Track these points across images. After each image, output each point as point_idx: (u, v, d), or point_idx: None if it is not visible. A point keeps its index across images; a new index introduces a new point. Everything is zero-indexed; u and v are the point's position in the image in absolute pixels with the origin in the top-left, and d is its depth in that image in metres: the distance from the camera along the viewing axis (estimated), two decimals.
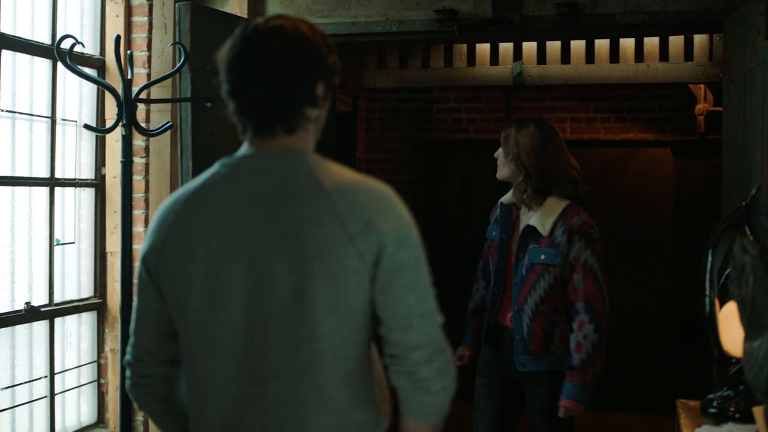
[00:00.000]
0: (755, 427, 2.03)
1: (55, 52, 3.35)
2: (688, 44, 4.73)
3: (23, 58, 3.91)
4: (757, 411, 1.96)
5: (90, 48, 4.33)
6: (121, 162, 3.47)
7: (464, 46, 5.19)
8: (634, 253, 7.49)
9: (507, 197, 3.54)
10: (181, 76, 3.72)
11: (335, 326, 1.73)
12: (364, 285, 1.73)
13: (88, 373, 4.44)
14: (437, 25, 4.35)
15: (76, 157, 4.31)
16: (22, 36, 3.87)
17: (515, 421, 3.58)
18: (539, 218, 3.37)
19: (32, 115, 3.99)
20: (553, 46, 4.95)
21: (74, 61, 3.36)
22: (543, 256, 3.33)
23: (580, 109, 7.54)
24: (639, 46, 4.85)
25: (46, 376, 4.10)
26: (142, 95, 3.61)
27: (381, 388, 1.90)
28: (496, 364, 3.50)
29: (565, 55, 4.92)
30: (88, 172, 4.39)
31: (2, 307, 3.80)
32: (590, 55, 4.87)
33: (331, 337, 1.73)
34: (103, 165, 4.44)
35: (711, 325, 2.54)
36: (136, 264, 1.94)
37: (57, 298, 4.17)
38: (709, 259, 2.56)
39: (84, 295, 4.40)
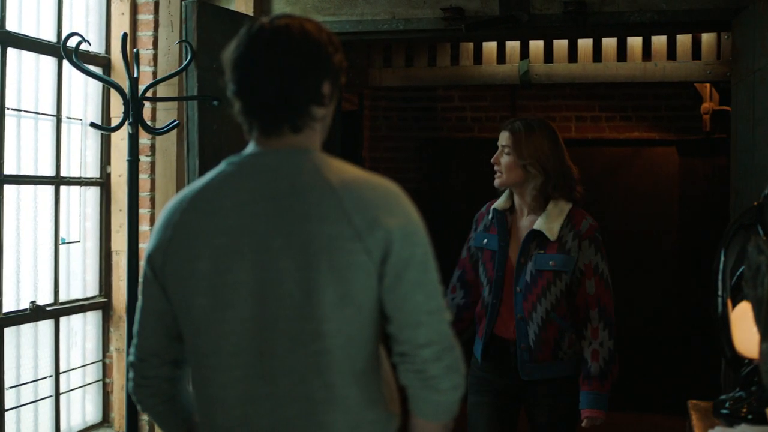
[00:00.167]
0: None
1: (61, 50, 3.34)
2: (696, 43, 4.72)
3: (28, 56, 3.90)
4: None
5: (95, 46, 4.32)
6: (128, 160, 3.46)
7: (471, 45, 5.17)
8: (638, 252, 7.47)
9: (501, 203, 3.40)
10: (187, 74, 3.71)
11: (342, 323, 1.72)
12: (371, 281, 1.72)
13: (93, 373, 4.43)
14: (444, 24, 4.33)
15: (81, 155, 4.30)
16: (27, 34, 3.85)
17: None
18: (545, 223, 3.25)
19: (37, 113, 3.98)
20: (560, 45, 4.93)
21: (80, 59, 3.35)
22: (553, 263, 3.22)
23: (585, 108, 7.52)
24: (646, 45, 4.83)
25: (51, 376, 4.08)
26: (149, 93, 3.60)
27: (390, 388, 1.89)
28: (494, 378, 3.36)
29: (572, 54, 4.90)
30: (93, 171, 4.38)
31: (8, 306, 3.78)
32: (597, 53, 4.86)
33: (338, 334, 1.72)
34: (109, 163, 4.43)
35: (723, 326, 2.52)
36: (142, 263, 1.92)
37: (62, 297, 4.15)
38: (722, 259, 2.54)
39: (89, 294, 4.38)
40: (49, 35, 4.01)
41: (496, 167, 3.34)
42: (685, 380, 6.87)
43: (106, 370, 4.47)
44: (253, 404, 1.76)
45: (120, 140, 4.36)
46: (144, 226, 4.31)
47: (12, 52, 3.75)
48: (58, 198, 4.09)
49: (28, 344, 3.96)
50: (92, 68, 3.94)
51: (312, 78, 1.78)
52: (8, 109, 3.75)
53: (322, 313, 1.70)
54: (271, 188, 1.75)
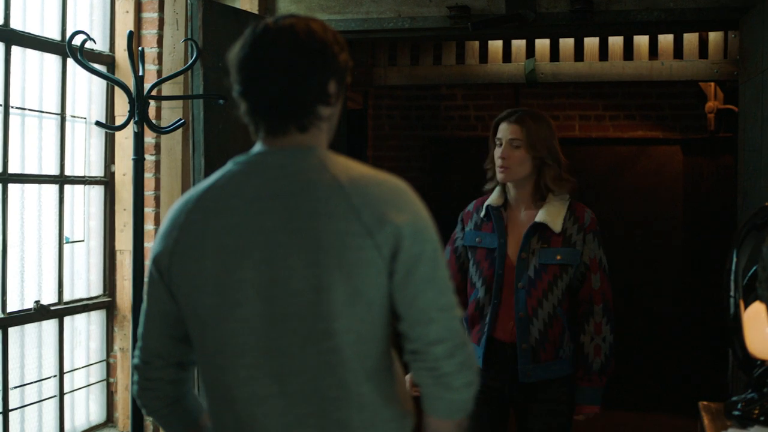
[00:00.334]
0: None
1: (66, 48, 3.32)
2: (703, 42, 4.70)
3: (33, 54, 3.88)
4: None
5: (99, 44, 4.30)
6: (133, 159, 3.44)
7: (476, 43, 5.15)
8: (643, 251, 7.46)
9: (495, 199, 3.29)
10: (193, 73, 3.69)
11: (353, 321, 1.70)
12: (381, 278, 1.71)
13: (97, 372, 4.41)
14: (450, 22, 4.31)
15: (85, 154, 4.28)
16: (31, 32, 3.83)
17: None
18: (547, 215, 3.16)
19: (42, 111, 3.96)
20: (567, 43, 4.91)
21: (84, 57, 3.33)
22: (559, 256, 3.14)
23: (589, 107, 7.51)
24: (653, 44, 4.81)
25: (55, 375, 4.07)
26: (153, 92, 3.57)
27: (403, 387, 1.88)
28: (493, 384, 3.22)
29: (578, 53, 4.88)
30: (97, 170, 4.36)
31: (12, 305, 3.76)
32: (604, 52, 4.83)
33: (349, 332, 1.70)
34: (113, 162, 4.41)
35: (736, 327, 2.50)
36: (147, 263, 1.90)
37: (66, 297, 4.14)
38: (734, 259, 2.52)
39: (93, 294, 4.36)
40: (54, 33, 3.99)
41: (502, 162, 3.20)
42: (690, 380, 6.87)
43: (110, 370, 4.45)
44: (264, 404, 1.74)
45: (124, 139, 4.34)
46: (149, 225, 4.29)
47: (16, 51, 3.73)
48: (62, 197, 4.07)
49: (32, 344, 3.94)
50: (96, 66, 3.92)
51: (318, 77, 1.77)
52: (12, 107, 3.73)
53: (333, 310, 1.69)
54: (278, 186, 1.74)
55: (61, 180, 4.06)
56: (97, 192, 4.36)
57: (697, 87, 6.82)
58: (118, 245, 4.42)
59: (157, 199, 4.38)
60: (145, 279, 1.90)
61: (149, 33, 4.37)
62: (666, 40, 4.70)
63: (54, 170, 4.03)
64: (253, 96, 1.77)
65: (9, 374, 3.72)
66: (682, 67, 4.62)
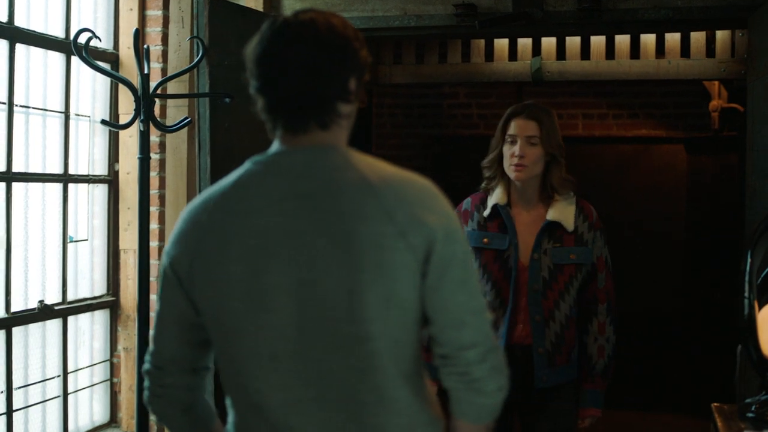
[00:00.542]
0: None
1: (72, 46, 3.29)
2: (710, 40, 4.68)
3: (37, 52, 3.85)
4: None
5: (103, 42, 4.27)
6: (139, 158, 3.41)
7: (482, 42, 5.12)
8: (646, 250, 7.44)
9: (500, 197, 3.11)
10: (199, 71, 3.66)
11: (388, 325, 1.66)
12: (415, 280, 1.66)
13: (101, 372, 4.38)
14: (456, 20, 4.29)
15: (89, 153, 4.25)
16: (35, 30, 3.81)
17: None
18: (560, 214, 3.06)
19: (46, 110, 3.94)
20: (573, 42, 4.89)
21: (89, 55, 3.30)
22: (573, 255, 3.04)
23: (592, 105, 7.48)
24: (660, 42, 4.78)
25: (59, 376, 4.04)
26: (159, 90, 3.54)
27: (432, 390, 1.84)
28: (511, 391, 3.05)
29: (585, 51, 4.85)
30: (101, 169, 4.33)
31: (16, 305, 3.74)
32: (610, 50, 4.81)
33: (384, 336, 1.66)
34: (116, 161, 4.38)
35: (749, 328, 2.48)
36: (160, 264, 1.85)
37: (70, 296, 4.11)
38: (748, 260, 2.50)
39: (97, 293, 4.34)
40: (58, 31, 3.97)
41: (518, 160, 3.04)
42: (692, 379, 6.85)
43: (113, 370, 4.43)
44: (297, 410, 1.69)
45: (128, 137, 4.31)
46: (153, 224, 4.26)
47: (20, 48, 3.71)
48: (66, 196, 4.04)
49: (36, 344, 3.92)
50: (101, 65, 3.90)
51: (339, 74, 1.72)
52: (16, 105, 3.70)
53: (368, 314, 1.64)
54: (305, 186, 1.68)
55: (65, 179, 4.04)
56: (100, 191, 4.33)
57: (701, 86, 6.79)
58: (122, 244, 4.39)
59: (161, 197, 4.35)
60: (156, 280, 1.86)
61: (153, 30, 4.34)
62: (673, 38, 4.68)
63: (58, 169, 4.01)
64: (271, 92, 1.72)
65: (13, 374, 3.70)
66: (689, 65, 4.60)
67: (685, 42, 4.66)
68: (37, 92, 3.87)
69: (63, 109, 4.02)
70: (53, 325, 4.01)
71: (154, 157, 4.27)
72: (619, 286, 3.34)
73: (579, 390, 3.15)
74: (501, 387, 1.76)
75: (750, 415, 2.48)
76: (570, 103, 7.40)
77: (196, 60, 3.56)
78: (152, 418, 4.28)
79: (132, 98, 3.42)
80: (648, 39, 4.73)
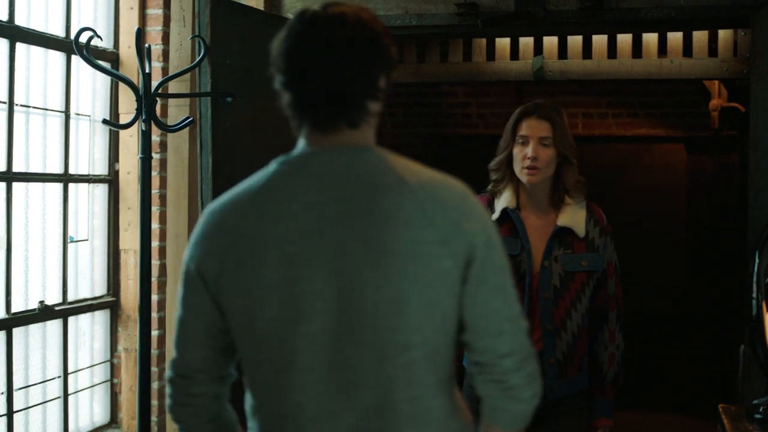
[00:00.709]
0: None
1: (73, 45, 3.27)
2: (712, 40, 4.66)
3: (37, 51, 3.83)
4: None
5: (103, 41, 4.25)
6: (140, 158, 3.39)
7: (483, 41, 5.10)
8: (646, 250, 7.44)
9: (509, 201, 2.98)
10: (200, 70, 3.64)
11: (430, 332, 1.62)
12: (455, 287, 1.63)
13: (101, 373, 4.36)
14: (458, 19, 4.27)
15: (89, 152, 4.23)
16: (36, 29, 3.78)
17: None
18: (571, 219, 2.93)
19: (46, 109, 3.91)
20: (575, 41, 4.87)
21: (90, 54, 3.28)
22: (585, 262, 2.92)
23: (592, 105, 7.48)
24: (662, 42, 4.77)
25: (59, 376, 4.02)
26: (160, 90, 3.52)
27: (460, 396, 1.80)
28: None
29: (587, 50, 4.84)
30: (101, 168, 4.30)
31: (16, 306, 3.71)
32: (612, 50, 4.79)
33: (426, 344, 1.62)
34: (117, 161, 4.36)
35: (758, 328, 2.47)
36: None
37: (70, 297, 4.09)
38: (756, 261, 2.49)
39: (97, 293, 4.31)
40: (58, 30, 3.94)
41: (531, 162, 2.91)
42: (693, 379, 6.85)
43: (113, 371, 4.40)
44: (331, 421, 1.64)
45: (129, 137, 4.29)
46: (154, 224, 4.24)
47: (21, 47, 3.69)
48: (67, 196, 4.02)
49: (37, 345, 3.89)
50: (102, 64, 3.87)
51: (370, 71, 1.66)
52: (17, 105, 3.68)
53: (408, 323, 1.60)
54: (342, 190, 1.63)
55: (66, 179, 4.02)
56: (101, 191, 4.31)
57: (701, 85, 6.79)
58: (122, 244, 4.36)
59: (162, 197, 4.33)
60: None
61: (154, 30, 4.32)
62: (675, 37, 4.67)
63: (58, 169, 3.98)
64: (299, 88, 1.66)
65: (13, 375, 3.68)
66: (692, 65, 4.59)
67: (687, 41, 4.64)
68: (37, 91, 3.85)
69: (63, 109, 3.99)
70: (53, 325, 3.99)
71: (155, 156, 4.25)
72: None
73: (590, 400, 3.05)
74: (536, 394, 1.72)
75: (758, 416, 2.47)
76: (570, 103, 7.40)
77: (198, 59, 3.55)
78: (153, 419, 4.27)
79: (132, 98, 3.40)
80: (650, 38, 4.71)
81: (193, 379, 1.76)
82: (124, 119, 4.19)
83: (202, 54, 3.53)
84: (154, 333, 4.24)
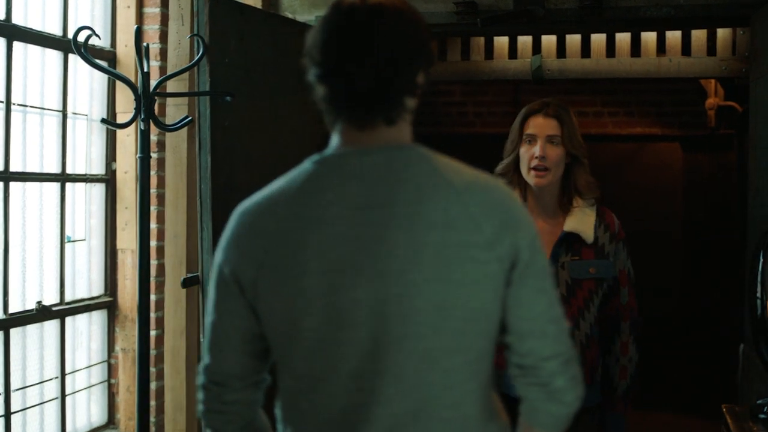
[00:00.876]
0: None
1: (72, 44, 3.24)
2: (711, 38, 4.66)
3: (34, 50, 3.80)
4: None
5: (100, 40, 4.22)
6: (139, 157, 3.37)
7: (482, 39, 5.08)
8: (643, 249, 7.42)
9: None
10: (199, 69, 3.61)
11: (474, 338, 1.58)
12: (500, 291, 1.59)
13: (98, 374, 4.34)
14: (457, 18, 4.26)
15: (86, 152, 4.21)
16: (33, 27, 3.76)
17: None
18: (578, 224, 2.82)
19: (43, 108, 3.89)
20: (573, 40, 4.86)
21: (88, 53, 3.26)
22: (593, 269, 2.81)
23: (587, 103, 7.48)
24: (660, 41, 4.76)
25: (57, 377, 4.00)
26: (158, 89, 3.50)
27: (497, 398, 1.76)
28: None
29: (585, 49, 4.83)
30: (98, 168, 4.28)
31: (14, 306, 3.69)
32: (611, 49, 4.78)
33: (468, 350, 1.58)
34: (114, 160, 4.33)
35: (762, 328, 2.47)
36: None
37: (68, 297, 4.07)
38: (761, 261, 2.48)
39: (94, 294, 4.29)
40: (55, 29, 3.92)
41: (539, 162, 2.81)
42: (692, 379, 6.85)
43: (111, 371, 4.38)
44: (368, 426, 1.59)
45: (126, 136, 4.27)
46: (152, 224, 4.22)
47: (18, 46, 3.66)
48: (64, 195, 4.00)
49: (34, 345, 3.87)
50: (100, 63, 3.85)
51: (411, 66, 1.59)
52: (14, 104, 3.65)
53: (455, 329, 1.55)
54: (386, 191, 1.57)
55: (63, 178, 3.99)
56: (98, 190, 4.29)
57: (697, 83, 6.79)
58: (119, 244, 4.34)
59: (160, 197, 4.30)
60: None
61: (151, 28, 4.29)
62: (674, 36, 4.66)
63: (55, 168, 3.96)
64: (338, 83, 1.58)
65: (11, 376, 3.65)
66: (690, 63, 4.58)
67: (686, 40, 4.63)
68: (34, 91, 3.82)
69: (60, 108, 3.97)
70: (51, 326, 3.97)
71: (153, 156, 4.23)
72: None
73: (602, 414, 2.94)
74: (579, 396, 1.68)
75: (762, 416, 2.47)
76: (565, 101, 7.37)
77: (196, 58, 3.52)
78: (152, 419, 4.25)
79: (129, 97, 3.39)
80: (649, 37, 4.71)
81: (227, 385, 1.71)
82: (121, 118, 4.17)
83: (201, 53, 3.51)
84: (152, 333, 4.22)
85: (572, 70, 4.77)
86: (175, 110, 4.24)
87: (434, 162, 1.62)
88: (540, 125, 2.85)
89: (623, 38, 4.73)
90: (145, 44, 3.60)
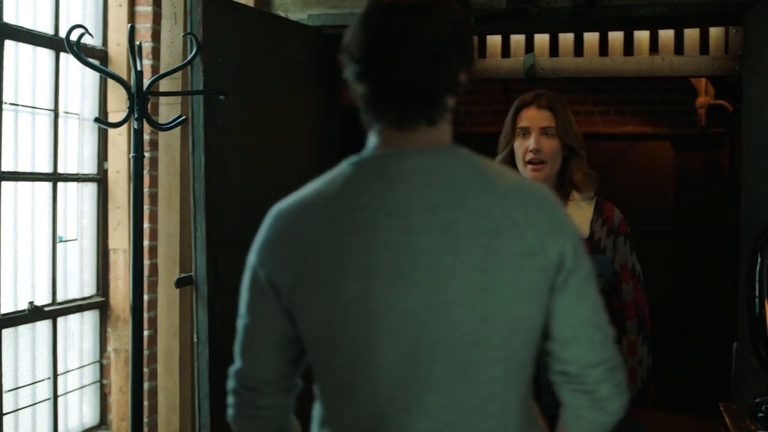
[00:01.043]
0: None
1: (65, 43, 3.22)
2: (703, 37, 4.66)
3: (26, 48, 3.78)
4: None
5: (92, 38, 4.20)
6: (132, 157, 3.34)
7: (475, 38, 5.07)
8: (640, 249, 7.45)
9: None
10: (192, 68, 3.60)
11: (516, 348, 1.54)
12: (544, 299, 1.55)
13: (90, 374, 4.31)
14: None
15: (78, 151, 4.18)
16: (24, 26, 3.73)
17: None
18: (573, 218, 2.85)
19: (35, 107, 3.86)
20: (566, 39, 4.85)
21: (80, 52, 3.24)
22: None
23: (578, 102, 7.48)
24: (653, 39, 4.76)
25: (49, 378, 3.97)
26: (152, 88, 3.48)
27: (535, 405, 1.72)
28: None
29: (578, 48, 4.82)
30: (90, 167, 4.25)
31: (6, 307, 3.67)
32: (604, 47, 4.78)
33: (513, 360, 1.55)
34: (106, 159, 4.31)
35: (760, 327, 2.47)
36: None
37: (60, 297, 4.04)
38: (758, 260, 2.49)
39: (86, 294, 4.27)
40: (47, 27, 3.89)
41: (533, 155, 2.76)
42: (687, 377, 6.86)
43: (103, 371, 4.36)
44: None
45: (118, 136, 4.24)
46: (145, 224, 4.19)
47: (9, 45, 3.64)
48: (56, 195, 3.97)
49: (26, 346, 3.85)
50: (92, 62, 3.83)
51: (453, 65, 1.54)
52: (6, 103, 3.63)
53: (498, 339, 1.52)
54: (430, 197, 1.52)
55: (55, 178, 3.97)
56: (89, 190, 4.26)
57: (688, 82, 6.80)
58: (111, 244, 4.32)
59: (153, 196, 4.28)
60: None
61: (143, 27, 4.27)
62: (666, 35, 4.66)
63: (47, 168, 3.94)
64: (376, 80, 1.54)
65: (3, 377, 3.63)
66: (683, 62, 4.58)
67: (679, 39, 4.64)
68: (26, 90, 3.80)
69: (52, 107, 3.94)
70: (43, 326, 3.94)
71: (146, 155, 4.19)
72: None
73: (618, 424, 2.88)
74: (623, 405, 1.64)
75: (760, 414, 2.47)
76: None
77: (190, 56, 3.51)
78: (145, 420, 4.22)
79: (122, 96, 3.37)
80: (641, 36, 4.71)
81: (260, 391, 1.68)
82: (113, 117, 4.14)
83: (194, 51, 3.49)
84: (145, 333, 4.20)
85: (565, 69, 4.77)
86: (168, 109, 4.22)
87: (477, 165, 1.58)
88: (533, 117, 2.79)
89: (616, 37, 4.73)
90: (137, 43, 3.58)
